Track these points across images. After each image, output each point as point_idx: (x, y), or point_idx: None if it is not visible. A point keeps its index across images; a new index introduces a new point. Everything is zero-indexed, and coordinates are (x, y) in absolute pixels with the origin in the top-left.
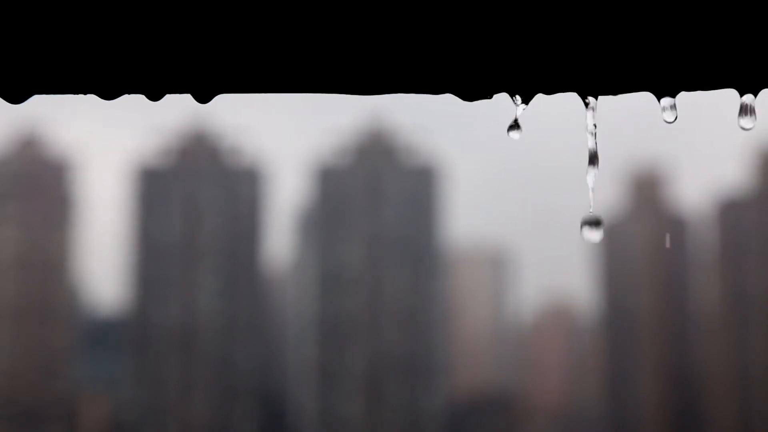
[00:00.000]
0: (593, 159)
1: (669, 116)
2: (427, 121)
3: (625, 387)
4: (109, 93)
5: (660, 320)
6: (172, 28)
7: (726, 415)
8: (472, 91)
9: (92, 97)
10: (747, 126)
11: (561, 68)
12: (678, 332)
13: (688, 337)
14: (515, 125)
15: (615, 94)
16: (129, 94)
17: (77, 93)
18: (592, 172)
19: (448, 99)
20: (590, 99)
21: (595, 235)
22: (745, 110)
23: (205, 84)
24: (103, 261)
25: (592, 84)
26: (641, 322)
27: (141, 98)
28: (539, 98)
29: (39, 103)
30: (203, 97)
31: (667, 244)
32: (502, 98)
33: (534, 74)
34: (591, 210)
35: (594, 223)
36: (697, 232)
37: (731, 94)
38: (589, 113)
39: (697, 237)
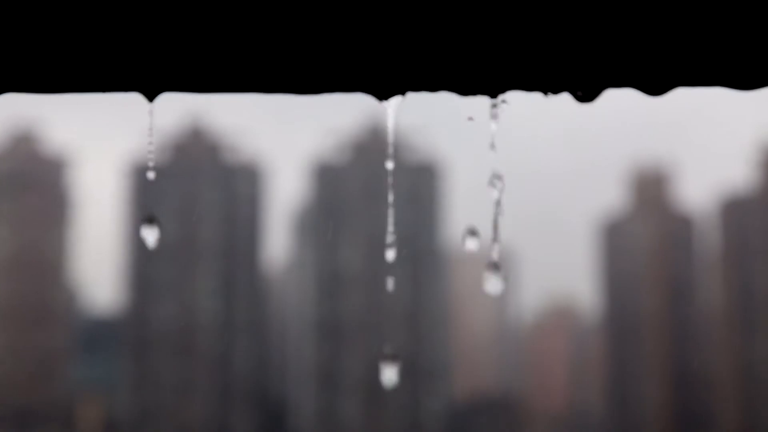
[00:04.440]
0: None
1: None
2: (426, 120)
3: (628, 388)
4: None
5: (663, 320)
6: (159, 27)
7: (731, 416)
8: (473, 88)
9: (84, 96)
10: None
11: (555, 67)
12: (682, 332)
13: (692, 338)
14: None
15: (602, 90)
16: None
17: (54, 92)
18: None
19: (449, 98)
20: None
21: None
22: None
23: (200, 82)
24: (99, 261)
25: (588, 82)
26: (644, 322)
27: (138, 97)
28: (541, 99)
29: (35, 102)
30: (151, 95)
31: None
32: (506, 97)
33: (525, 73)
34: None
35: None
36: (701, 231)
37: (734, 92)
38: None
39: (700, 236)
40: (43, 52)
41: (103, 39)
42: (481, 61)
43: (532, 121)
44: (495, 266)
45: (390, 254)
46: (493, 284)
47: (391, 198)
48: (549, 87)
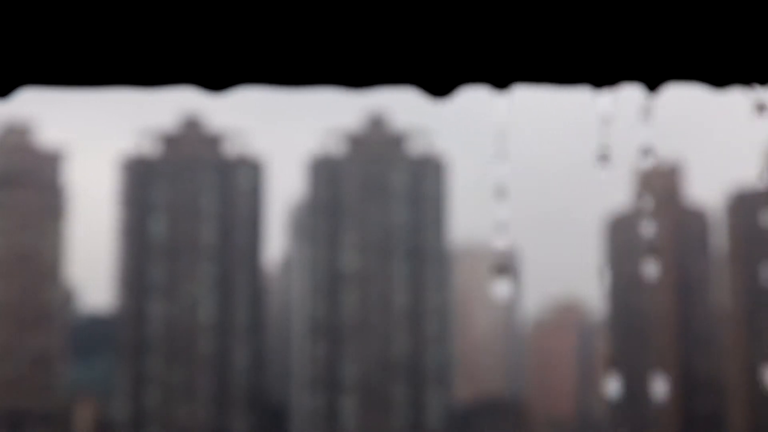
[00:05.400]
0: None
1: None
2: (427, 117)
3: (634, 389)
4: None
5: (671, 319)
6: (159, 21)
7: (743, 418)
8: (440, 83)
9: (82, 93)
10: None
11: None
12: (690, 332)
13: (700, 337)
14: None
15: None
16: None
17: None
18: None
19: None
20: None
21: None
22: None
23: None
24: (95, 260)
25: (597, 76)
26: (652, 320)
27: (137, 95)
28: (546, 96)
29: (30, 100)
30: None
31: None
32: (507, 97)
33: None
34: None
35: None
36: (711, 228)
37: (742, 89)
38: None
39: (710, 232)
40: (58, 47)
41: (116, 34)
42: (478, 54)
43: (538, 116)
44: (503, 269)
45: (392, 252)
46: (501, 288)
47: (392, 195)
48: (559, 80)
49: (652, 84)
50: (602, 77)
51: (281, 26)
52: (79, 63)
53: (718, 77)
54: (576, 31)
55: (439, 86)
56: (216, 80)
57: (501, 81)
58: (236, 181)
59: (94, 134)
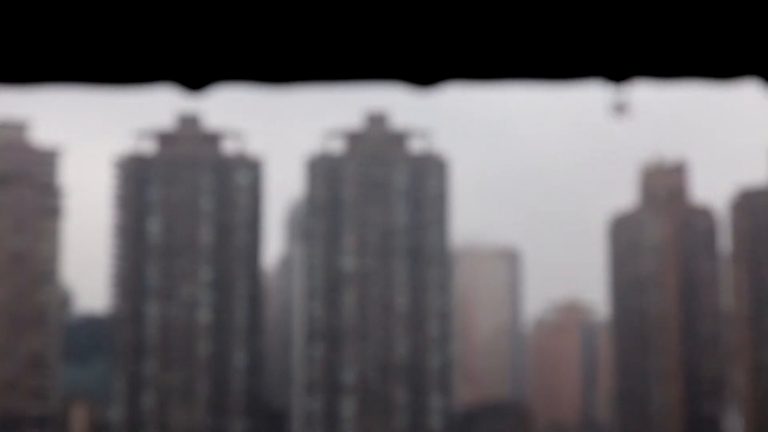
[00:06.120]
0: None
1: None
2: (427, 116)
3: (638, 390)
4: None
5: (675, 318)
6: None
7: (747, 420)
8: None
9: (80, 93)
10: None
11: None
12: (695, 332)
13: (705, 338)
14: None
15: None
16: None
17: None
18: None
19: (452, 96)
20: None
21: None
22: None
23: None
24: (91, 261)
25: (618, 70)
26: (655, 321)
27: (134, 95)
28: (547, 96)
29: (26, 100)
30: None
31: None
32: (507, 97)
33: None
34: None
35: None
36: (716, 227)
37: (747, 87)
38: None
39: (715, 232)
40: (43, 47)
41: (96, 35)
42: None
43: (540, 116)
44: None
45: (392, 253)
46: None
47: (392, 195)
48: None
49: (618, 79)
50: (567, 72)
51: (261, 25)
52: (61, 61)
53: (681, 73)
54: (559, 29)
55: (424, 80)
56: (195, 79)
57: (482, 75)
58: (234, 181)
59: (91, 134)
